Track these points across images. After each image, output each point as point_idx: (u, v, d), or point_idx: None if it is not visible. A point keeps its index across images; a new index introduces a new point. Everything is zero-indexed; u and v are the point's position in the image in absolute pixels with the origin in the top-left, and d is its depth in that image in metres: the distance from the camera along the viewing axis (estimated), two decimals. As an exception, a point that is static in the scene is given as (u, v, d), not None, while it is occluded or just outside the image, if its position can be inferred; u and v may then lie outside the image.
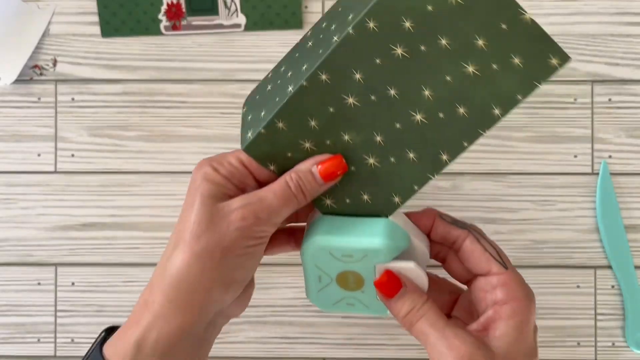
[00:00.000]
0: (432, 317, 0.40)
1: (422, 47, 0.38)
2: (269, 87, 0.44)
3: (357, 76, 0.39)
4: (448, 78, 0.39)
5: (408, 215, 0.44)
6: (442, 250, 0.45)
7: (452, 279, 0.45)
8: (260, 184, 0.43)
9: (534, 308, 0.41)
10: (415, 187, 0.42)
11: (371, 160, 0.42)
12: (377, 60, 0.39)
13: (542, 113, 0.57)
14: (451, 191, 0.57)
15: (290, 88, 0.40)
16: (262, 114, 0.42)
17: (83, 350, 0.57)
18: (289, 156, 0.42)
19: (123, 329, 0.41)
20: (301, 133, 0.41)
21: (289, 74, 0.42)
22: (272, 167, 0.42)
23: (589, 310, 0.57)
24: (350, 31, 0.38)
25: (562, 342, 0.57)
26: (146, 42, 0.58)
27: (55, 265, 0.58)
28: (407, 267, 0.42)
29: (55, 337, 0.58)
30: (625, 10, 0.57)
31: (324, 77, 0.39)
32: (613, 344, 0.57)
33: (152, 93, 0.58)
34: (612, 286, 0.57)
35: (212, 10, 0.57)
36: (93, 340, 0.43)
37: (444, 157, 0.41)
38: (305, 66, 0.40)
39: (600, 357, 0.57)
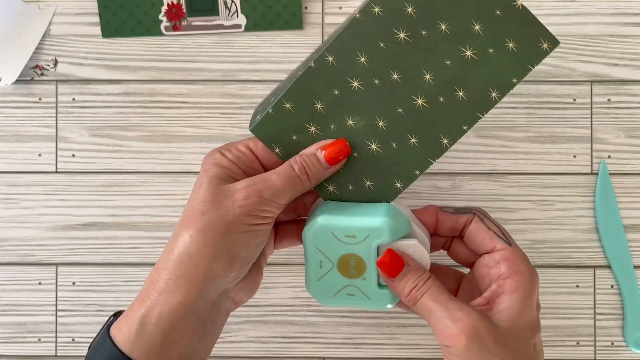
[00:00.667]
0: (435, 292, 0.41)
1: (423, 32, 0.40)
2: (280, 85, 0.46)
3: (362, 60, 0.41)
4: (448, 62, 0.41)
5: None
6: (448, 240, 0.46)
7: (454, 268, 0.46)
8: (267, 170, 0.44)
9: (537, 283, 0.42)
10: (417, 172, 0.44)
11: (374, 146, 0.43)
12: (381, 44, 0.41)
13: (542, 113, 0.57)
14: (451, 191, 0.57)
15: (299, 72, 0.42)
16: (272, 99, 0.44)
17: (84, 350, 0.58)
18: (294, 139, 0.43)
19: (129, 309, 0.42)
20: (307, 116, 0.43)
21: (300, 67, 0.44)
22: (277, 150, 0.44)
23: (588, 310, 0.57)
24: (358, 16, 0.40)
25: (562, 342, 0.57)
26: (147, 42, 0.58)
27: (56, 265, 0.58)
28: (410, 244, 0.42)
29: (56, 337, 0.58)
30: (624, 11, 0.58)
31: (330, 59, 0.41)
32: (612, 343, 0.57)
33: (153, 93, 0.58)
34: (612, 286, 0.57)
35: (213, 10, 0.57)
36: (93, 340, 0.44)
37: (445, 141, 0.43)
38: (314, 56, 0.43)
39: (600, 356, 0.57)
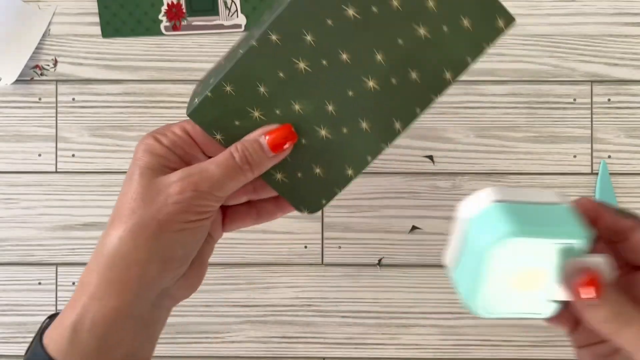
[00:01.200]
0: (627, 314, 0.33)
1: (374, 8, 0.37)
2: (220, 63, 0.42)
3: (309, 38, 0.38)
4: (400, 41, 0.38)
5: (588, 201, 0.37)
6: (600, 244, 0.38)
7: None
8: (208, 156, 0.40)
9: None
10: (369, 158, 0.41)
11: (323, 132, 0.40)
12: (329, 22, 0.38)
13: (541, 113, 0.57)
14: (451, 191, 0.57)
15: (240, 51, 0.39)
16: (211, 80, 0.40)
17: (84, 350, 0.58)
18: (236, 125, 0.40)
19: (61, 314, 0.39)
20: (250, 100, 0.39)
21: (240, 44, 0.41)
22: (218, 136, 0.40)
23: (589, 310, 0.57)
24: None
25: (562, 342, 0.57)
26: (147, 42, 0.58)
27: (56, 265, 0.58)
28: (599, 262, 0.34)
29: (56, 337, 0.58)
30: (624, 11, 0.58)
31: (274, 37, 0.38)
32: (612, 343, 0.57)
33: (153, 93, 0.58)
34: (612, 286, 0.57)
35: (213, 10, 0.57)
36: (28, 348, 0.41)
37: (397, 125, 0.40)
38: (255, 34, 0.39)
39: (600, 356, 0.57)
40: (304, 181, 0.41)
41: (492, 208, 0.36)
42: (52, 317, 0.41)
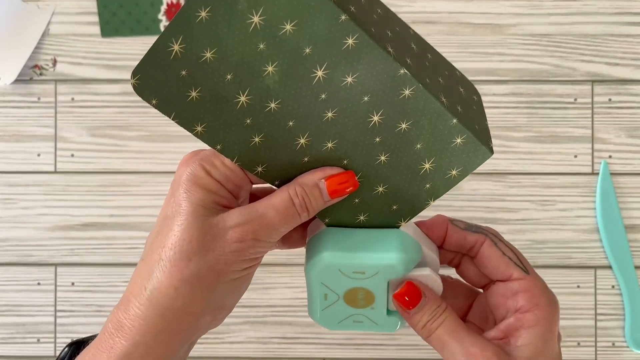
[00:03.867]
0: (451, 324, 0.37)
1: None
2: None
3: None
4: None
5: (417, 224, 0.41)
6: (456, 256, 0.41)
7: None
8: (252, 181, 0.38)
9: (558, 316, 0.39)
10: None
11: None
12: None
13: (542, 113, 0.57)
14: (451, 191, 0.57)
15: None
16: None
17: (83, 351, 0.58)
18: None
19: (94, 354, 0.36)
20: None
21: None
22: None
23: (589, 310, 0.57)
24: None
25: (562, 342, 0.57)
26: (146, 42, 0.58)
27: (55, 265, 0.58)
28: (423, 275, 0.39)
29: (55, 337, 0.58)
30: (625, 11, 0.57)
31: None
32: (613, 344, 0.57)
33: (152, 93, 0.58)
34: (612, 286, 0.57)
35: (212, 10, 0.57)
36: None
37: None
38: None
39: (601, 357, 0.57)
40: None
41: (322, 231, 0.39)
42: (71, 346, 0.39)
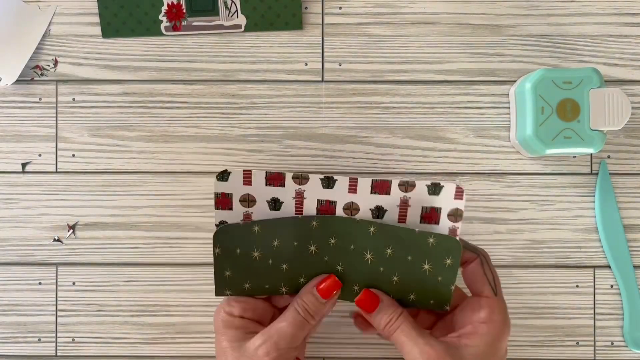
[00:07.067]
0: (407, 327, 0.46)
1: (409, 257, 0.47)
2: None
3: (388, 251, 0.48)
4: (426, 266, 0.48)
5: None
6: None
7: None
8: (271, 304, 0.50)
9: (507, 335, 0.46)
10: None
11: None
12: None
13: (541, 113, 0.57)
14: (451, 191, 0.57)
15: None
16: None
17: (84, 350, 0.58)
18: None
19: None
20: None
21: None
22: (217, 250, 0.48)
23: (588, 310, 0.57)
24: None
25: (562, 342, 0.57)
26: (147, 42, 0.58)
27: (56, 264, 0.58)
28: (613, 90, 0.51)
29: (56, 337, 0.58)
30: (624, 11, 0.58)
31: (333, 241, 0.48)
32: (612, 343, 0.57)
33: (153, 93, 0.58)
34: (611, 286, 0.57)
35: (213, 11, 0.58)
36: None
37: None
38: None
39: (599, 356, 0.57)
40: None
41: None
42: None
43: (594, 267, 0.57)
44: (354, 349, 0.57)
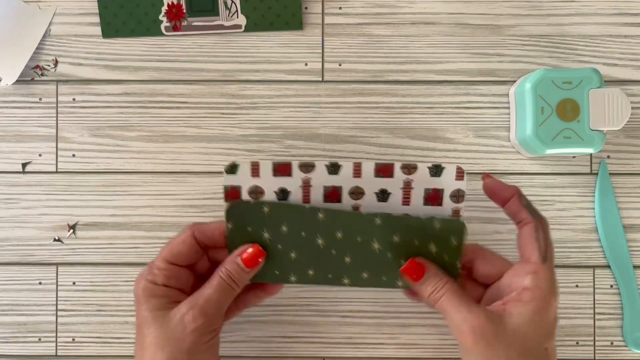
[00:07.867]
0: (450, 295, 0.45)
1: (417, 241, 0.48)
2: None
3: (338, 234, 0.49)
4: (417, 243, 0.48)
5: (493, 180, 0.48)
6: (471, 258, 0.49)
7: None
8: (201, 245, 0.49)
9: (555, 302, 0.45)
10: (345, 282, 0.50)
11: (310, 272, 0.50)
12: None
13: (541, 113, 0.57)
14: (450, 191, 0.57)
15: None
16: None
17: (84, 350, 0.58)
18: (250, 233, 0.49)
19: None
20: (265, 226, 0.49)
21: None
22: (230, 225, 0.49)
23: (588, 310, 0.57)
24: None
25: (561, 342, 0.57)
26: (147, 42, 0.58)
27: (57, 264, 0.58)
28: (613, 91, 0.52)
29: (56, 337, 0.58)
30: (623, 11, 0.58)
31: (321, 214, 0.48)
32: (612, 343, 0.57)
33: (153, 93, 0.58)
34: (611, 286, 0.57)
35: (213, 11, 0.58)
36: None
37: (346, 281, 0.50)
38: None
39: (599, 356, 0.57)
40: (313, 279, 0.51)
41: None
42: None
43: (593, 267, 0.57)
44: (354, 349, 0.58)
